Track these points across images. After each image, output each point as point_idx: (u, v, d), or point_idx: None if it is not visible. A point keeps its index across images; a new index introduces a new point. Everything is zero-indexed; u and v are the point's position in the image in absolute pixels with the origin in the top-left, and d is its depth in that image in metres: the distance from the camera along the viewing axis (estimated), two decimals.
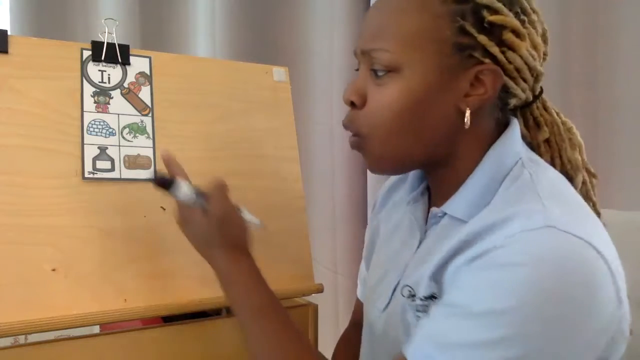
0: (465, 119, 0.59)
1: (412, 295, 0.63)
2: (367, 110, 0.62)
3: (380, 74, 0.60)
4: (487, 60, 0.58)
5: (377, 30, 0.61)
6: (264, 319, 0.65)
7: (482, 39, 0.57)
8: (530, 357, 0.49)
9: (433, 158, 0.63)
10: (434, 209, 0.66)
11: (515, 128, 0.63)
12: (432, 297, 0.59)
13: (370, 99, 0.61)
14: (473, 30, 0.57)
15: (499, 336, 0.49)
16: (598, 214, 0.66)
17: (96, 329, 0.78)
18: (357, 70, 0.64)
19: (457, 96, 0.59)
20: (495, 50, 0.57)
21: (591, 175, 0.68)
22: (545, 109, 0.66)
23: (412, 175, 0.74)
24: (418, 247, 0.67)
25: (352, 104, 0.63)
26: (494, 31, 0.58)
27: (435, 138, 0.61)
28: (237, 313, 0.67)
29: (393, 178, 0.83)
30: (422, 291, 0.60)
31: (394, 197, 0.81)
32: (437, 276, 0.59)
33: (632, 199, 1.20)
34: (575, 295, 0.50)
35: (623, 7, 1.20)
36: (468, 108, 0.59)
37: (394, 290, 0.67)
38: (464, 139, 0.62)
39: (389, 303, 0.68)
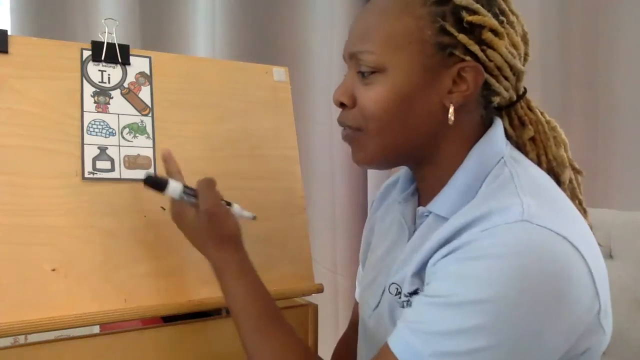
0: (449, 115, 0.61)
1: (399, 293, 0.65)
2: (358, 108, 0.64)
3: (366, 74, 0.63)
4: (467, 58, 0.60)
5: (362, 33, 0.64)
6: (254, 305, 0.68)
7: (462, 38, 0.59)
8: (503, 346, 0.51)
9: (419, 154, 0.65)
10: (420, 208, 0.68)
11: (499, 127, 0.65)
12: (415, 292, 0.61)
13: (360, 98, 0.64)
14: (453, 30, 0.59)
15: (473, 325, 0.51)
16: (584, 212, 0.68)
17: (96, 329, 0.78)
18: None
19: (440, 93, 0.61)
20: (475, 48, 0.60)
21: (576, 172, 0.70)
22: (530, 108, 0.68)
23: (403, 176, 0.75)
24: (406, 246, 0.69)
25: (342, 105, 0.66)
26: (474, 30, 0.60)
27: (421, 134, 0.63)
28: (228, 302, 0.70)
29: (390, 180, 0.84)
30: (407, 288, 0.62)
31: (389, 198, 0.82)
32: (420, 273, 0.61)
33: (632, 199, 1.20)
34: (547, 288, 0.51)
35: (623, 7, 1.21)
36: (452, 104, 0.61)
37: (384, 289, 0.69)
38: (449, 137, 0.63)
39: (379, 302, 0.70)
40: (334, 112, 1.52)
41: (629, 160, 1.21)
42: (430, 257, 0.59)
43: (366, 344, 0.74)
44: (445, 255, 0.56)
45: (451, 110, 0.61)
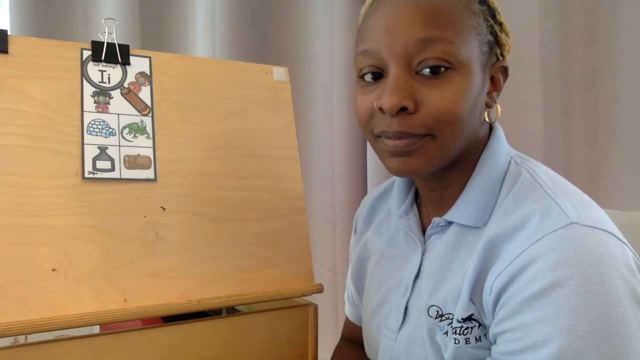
0: (497, 114, 0.62)
1: (441, 316, 0.60)
2: (426, 111, 0.55)
3: (441, 70, 0.55)
4: (500, 58, 0.61)
5: (432, 18, 0.55)
6: None
7: (504, 38, 0.60)
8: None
9: (459, 159, 0.61)
10: (436, 219, 0.64)
11: (500, 129, 0.65)
12: (470, 319, 0.57)
13: (430, 99, 0.55)
14: (498, 29, 0.60)
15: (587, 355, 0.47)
16: None
17: (96, 329, 0.78)
18: (369, 73, 0.59)
19: (485, 93, 0.61)
20: (507, 49, 0.61)
21: None
22: None
23: (397, 189, 0.73)
24: (421, 260, 0.65)
25: (400, 111, 0.56)
26: (504, 31, 0.62)
27: (473, 137, 0.61)
28: None
29: (372, 195, 0.82)
30: (460, 312, 0.57)
31: (378, 213, 0.80)
32: (472, 297, 0.57)
33: (632, 199, 1.20)
34: (619, 283, 0.49)
35: (623, 7, 1.21)
36: (495, 104, 0.61)
37: (406, 307, 0.65)
38: (472, 139, 0.61)
39: (403, 321, 0.66)
40: (334, 112, 1.53)
41: (629, 160, 1.21)
42: (479, 279, 0.56)
43: None
44: (506, 288, 0.52)
45: (499, 109, 0.61)
